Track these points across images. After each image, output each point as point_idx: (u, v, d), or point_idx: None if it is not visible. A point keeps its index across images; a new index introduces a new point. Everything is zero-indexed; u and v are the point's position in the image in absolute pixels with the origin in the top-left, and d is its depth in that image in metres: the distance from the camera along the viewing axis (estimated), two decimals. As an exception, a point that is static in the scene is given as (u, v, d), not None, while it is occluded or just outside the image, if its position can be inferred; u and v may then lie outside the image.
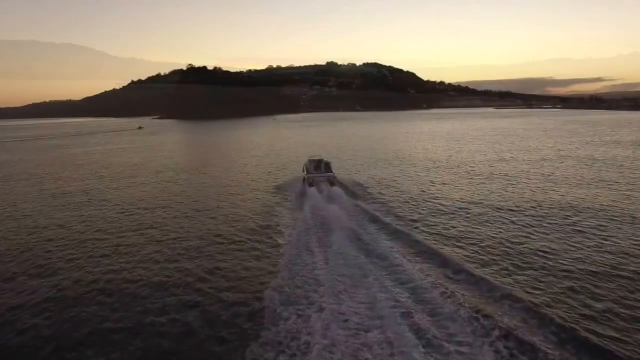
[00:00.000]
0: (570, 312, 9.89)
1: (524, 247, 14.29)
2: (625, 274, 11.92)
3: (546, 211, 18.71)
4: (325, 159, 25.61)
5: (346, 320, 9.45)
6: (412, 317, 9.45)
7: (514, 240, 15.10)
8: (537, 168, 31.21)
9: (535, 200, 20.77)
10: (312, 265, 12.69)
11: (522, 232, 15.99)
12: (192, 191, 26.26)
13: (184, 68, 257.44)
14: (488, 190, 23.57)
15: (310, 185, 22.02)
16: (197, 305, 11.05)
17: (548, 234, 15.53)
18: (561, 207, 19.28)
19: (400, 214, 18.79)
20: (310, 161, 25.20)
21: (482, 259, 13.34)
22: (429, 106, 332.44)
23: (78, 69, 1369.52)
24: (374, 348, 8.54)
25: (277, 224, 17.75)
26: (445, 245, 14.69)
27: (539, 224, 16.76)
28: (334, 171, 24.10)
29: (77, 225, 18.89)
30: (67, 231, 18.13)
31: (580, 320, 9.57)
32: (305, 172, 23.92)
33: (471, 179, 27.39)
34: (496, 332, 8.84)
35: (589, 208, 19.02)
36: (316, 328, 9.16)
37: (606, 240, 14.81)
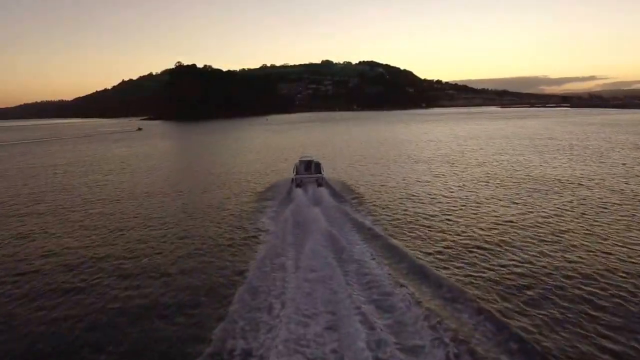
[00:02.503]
0: None
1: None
2: None
3: None
4: (315, 160, 24.51)
5: (305, 325, 8.68)
6: (371, 324, 8.50)
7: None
8: None
9: None
10: (282, 268, 11.78)
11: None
12: (172, 195, 23.97)
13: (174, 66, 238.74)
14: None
15: (298, 186, 21.27)
16: (151, 307, 10.14)
17: None
18: None
19: (391, 223, 16.51)
20: (301, 162, 24.11)
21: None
22: (429, 105, 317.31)
23: (69, 68, 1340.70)
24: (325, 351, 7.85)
25: (256, 227, 16.44)
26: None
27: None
28: (323, 172, 23.01)
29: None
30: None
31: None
32: (295, 173, 22.91)
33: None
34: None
35: None
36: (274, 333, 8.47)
37: None
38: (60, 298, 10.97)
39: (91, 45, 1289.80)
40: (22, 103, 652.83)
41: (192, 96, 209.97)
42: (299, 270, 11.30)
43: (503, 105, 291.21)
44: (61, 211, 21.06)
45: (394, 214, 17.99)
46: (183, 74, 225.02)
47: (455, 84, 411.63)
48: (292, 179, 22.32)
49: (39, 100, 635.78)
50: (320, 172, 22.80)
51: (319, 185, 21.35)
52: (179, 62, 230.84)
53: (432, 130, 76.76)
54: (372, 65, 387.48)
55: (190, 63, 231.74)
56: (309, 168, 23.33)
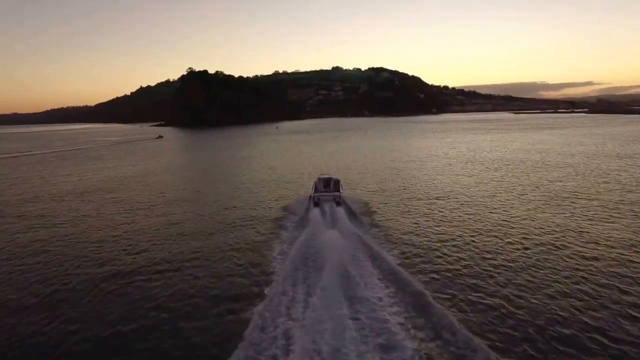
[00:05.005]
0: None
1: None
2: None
3: None
4: (334, 177, 22.41)
5: None
6: None
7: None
8: None
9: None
10: (291, 306, 10.31)
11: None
12: (182, 214, 21.36)
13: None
14: None
15: (316, 205, 19.14)
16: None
17: None
18: None
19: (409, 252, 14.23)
20: (320, 179, 22.16)
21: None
22: (439, 111, 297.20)
23: (93, 74, 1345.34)
24: None
25: (270, 252, 14.68)
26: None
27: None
28: (341, 190, 20.61)
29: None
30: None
31: None
32: (313, 191, 20.75)
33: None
34: None
35: None
36: None
37: None
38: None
39: (113, 52, 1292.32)
40: (48, 109, 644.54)
41: (200, 102, 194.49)
42: (308, 308, 10.02)
43: (516, 112, 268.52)
44: None
45: (435, 258, 13.73)
46: (193, 80, 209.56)
47: (462, 90, 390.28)
48: (310, 196, 20.08)
49: (64, 106, 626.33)
50: (338, 190, 20.56)
51: (337, 204, 19.14)
52: (190, 68, 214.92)
53: (479, 145, 54.93)
54: (381, 70, 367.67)
55: (204, 69, 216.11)
56: (328, 186, 21.57)
